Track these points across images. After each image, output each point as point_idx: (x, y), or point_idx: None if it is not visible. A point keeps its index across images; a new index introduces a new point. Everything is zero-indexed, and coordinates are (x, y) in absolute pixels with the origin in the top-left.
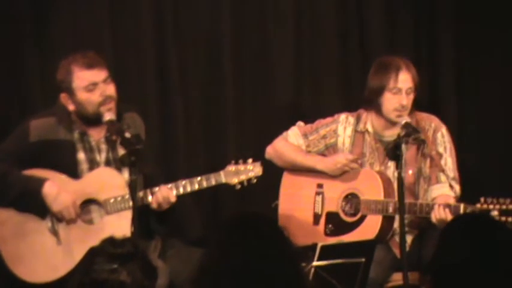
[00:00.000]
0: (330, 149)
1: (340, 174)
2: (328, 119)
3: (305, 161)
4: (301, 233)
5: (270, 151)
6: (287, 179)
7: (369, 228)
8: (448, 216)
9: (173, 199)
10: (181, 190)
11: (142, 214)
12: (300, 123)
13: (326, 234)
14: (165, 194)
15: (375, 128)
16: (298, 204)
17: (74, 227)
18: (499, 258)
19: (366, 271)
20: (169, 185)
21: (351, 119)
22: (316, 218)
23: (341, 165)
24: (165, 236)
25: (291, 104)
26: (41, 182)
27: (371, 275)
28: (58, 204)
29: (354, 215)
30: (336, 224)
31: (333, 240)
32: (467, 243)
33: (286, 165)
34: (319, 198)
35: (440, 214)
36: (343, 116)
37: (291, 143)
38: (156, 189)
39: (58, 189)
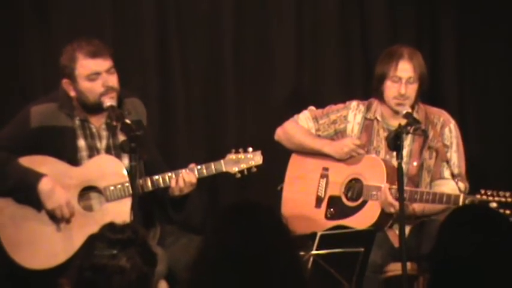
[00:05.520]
0: (339, 135)
1: (346, 159)
2: (340, 105)
3: (313, 143)
4: (302, 216)
5: (279, 133)
6: (294, 162)
7: (369, 214)
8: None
9: (195, 181)
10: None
11: (142, 201)
12: (312, 108)
13: (327, 218)
14: (187, 178)
15: (383, 117)
16: (303, 187)
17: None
18: (500, 251)
19: (364, 260)
20: (170, 174)
21: (362, 107)
22: (319, 201)
23: (348, 149)
24: (183, 223)
25: (292, 94)
26: (38, 176)
27: (370, 258)
28: (52, 202)
29: (356, 200)
30: (337, 208)
31: (332, 224)
32: (468, 236)
33: (294, 147)
34: (323, 181)
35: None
36: (354, 103)
37: (301, 125)
38: (157, 176)
39: (53, 186)
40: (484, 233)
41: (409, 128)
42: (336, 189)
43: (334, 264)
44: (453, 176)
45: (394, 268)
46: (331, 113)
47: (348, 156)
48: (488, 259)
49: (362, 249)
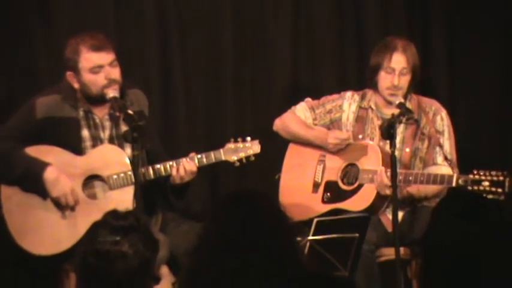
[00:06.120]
0: (335, 124)
1: (339, 150)
2: (335, 96)
3: (306, 134)
4: (300, 201)
5: (277, 123)
6: (292, 151)
7: (365, 196)
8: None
9: (195, 170)
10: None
11: (144, 189)
12: (308, 99)
13: (323, 202)
14: (187, 167)
15: (377, 106)
16: (300, 173)
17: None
18: (488, 239)
19: (359, 246)
20: (171, 162)
21: (356, 97)
22: (316, 186)
23: (332, 145)
24: (184, 210)
25: (289, 86)
26: (43, 165)
27: (366, 238)
28: (57, 190)
29: (352, 184)
30: (333, 192)
31: (329, 207)
32: (458, 223)
33: (290, 137)
34: (320, 167)
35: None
36: (349, 93)
37: (298, 116)
38: (158, 165)
39: (58, 175)
40: (473, 220)
41: (402, 117)
42: (333, 174)
43: (330, 250)
44: (446, 159)
45: (388, 253)
46: (327, 103)
47: (336, 148)
48: (477, 246)
49: (357, 235)
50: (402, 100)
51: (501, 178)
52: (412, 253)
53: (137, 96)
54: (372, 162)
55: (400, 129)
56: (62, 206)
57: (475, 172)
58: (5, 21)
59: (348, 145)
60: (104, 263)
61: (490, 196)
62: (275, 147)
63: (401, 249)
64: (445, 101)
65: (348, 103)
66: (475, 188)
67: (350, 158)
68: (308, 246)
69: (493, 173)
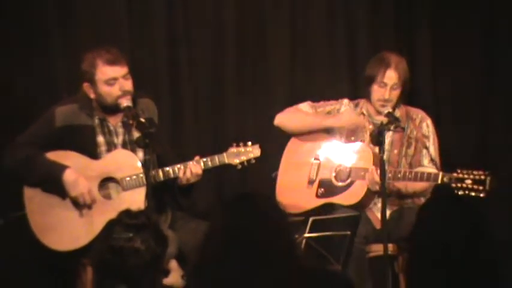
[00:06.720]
0: None
1: (338, 147)
2: (333, 101)
3: (314, 118)
4: (295, 196)
5: (280, 116)
6: (288, 151)
7: (356, 192)
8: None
9: (201, 172)
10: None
11: (154, 190)
12: (309, 102)
13: (317, 196)
14: (194, 169)
15: (369, 113)
16: (296, 172)
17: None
18: (467, 238)
19: (350, 243)
20: (179, 165)
21: (351, 104)
22: (310, 182)
23: (350, 123)
24: (190, 208)
25: (286, 95)
26: (62, 168)
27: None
28: (75, 190)
29: (345, 180)
30: (327, 188)
31: (322, 201)
32: (441, 223)
33: (293, 127)
34: (315, 166)
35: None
36: (346, 100)
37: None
38: (167, 168)
39: (76, 177)
40: (455, 221)
41: (390, 125)
42: (327, 172)
43: (324, 246)
44: (432, 160)
45: (376, 249)
46: (327, 105)
47: (350, 124)
48: (458, 243)
49: (348, 233)
50: (391, 110)
51: (482, 177)
52: (399, 249)
53: (147, 105)
54: (363, 161)
55: (390, 133)
56: (80, 206)
57: (459, 171)
58: (28, 36)
59: (342, 146)
60: (119, 257)
61: (472, 193)
62: (271, 150)
63: (389, 246)
64: (430, 108)
65: (344, 108)
66: (458, 185)
67: (342, 158)
68: (304, 243)
69: (475, 172)
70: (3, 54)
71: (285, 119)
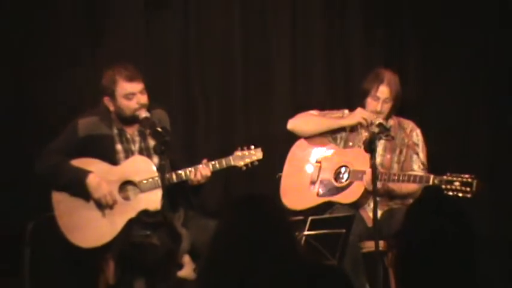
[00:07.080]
0: (336, 129)
1: (338, 152)
2: (336, 110)
3: (329, 119)
4: (298, 194)
5: (293, 121)
6: (292, 153)
7: (353, 192)
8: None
9: (210, 174)
10: (199, 173)
11: (169, 191)
12: (316, 110)
13: (318, 195)
14: (203, 172)
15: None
16: (298, 173)
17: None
18: (453, 238)
19: (346, 240)
20: (190, 168)
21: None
22: (312, 183)
23: (359, 116)
24: (198, 205)
25: (287, 104)
26: (86, 173)
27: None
28: (98, 193)
29: (344, 181)
30: (327, 188)
31: (323, 200)
32: (428, 223)
33: (313, 128)
34: (316, 168)
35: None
36: (346, 111)
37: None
38: (180, 171)
39: (99, 181)
40: (442, 221)
41: (381, 134)
42: (327, 174)
43: (322, 243)
44: (422, 164)
45: (369, 245)
46: (331, 113)
47: (361, 121)
48: (443, 242)
49: (344, 231)
50: (382, 121)
51: (470, 180)
52: (389, 246)
53: (160, 116)
54: (361, 164)
55: (383, 141)
56: (102, 207)
57: (448, 174)
58: (59, 56)
59: (341, 150)
60: (137, 253)
61: (459, 194)
62: (274, 154)
63: (380, 243)
64: (417, 118)
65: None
66: (448, 186)
67: (343, 161)
68: (304, 240)
69: (463, 175)
70: (39, 75)
71: (300, 122)
